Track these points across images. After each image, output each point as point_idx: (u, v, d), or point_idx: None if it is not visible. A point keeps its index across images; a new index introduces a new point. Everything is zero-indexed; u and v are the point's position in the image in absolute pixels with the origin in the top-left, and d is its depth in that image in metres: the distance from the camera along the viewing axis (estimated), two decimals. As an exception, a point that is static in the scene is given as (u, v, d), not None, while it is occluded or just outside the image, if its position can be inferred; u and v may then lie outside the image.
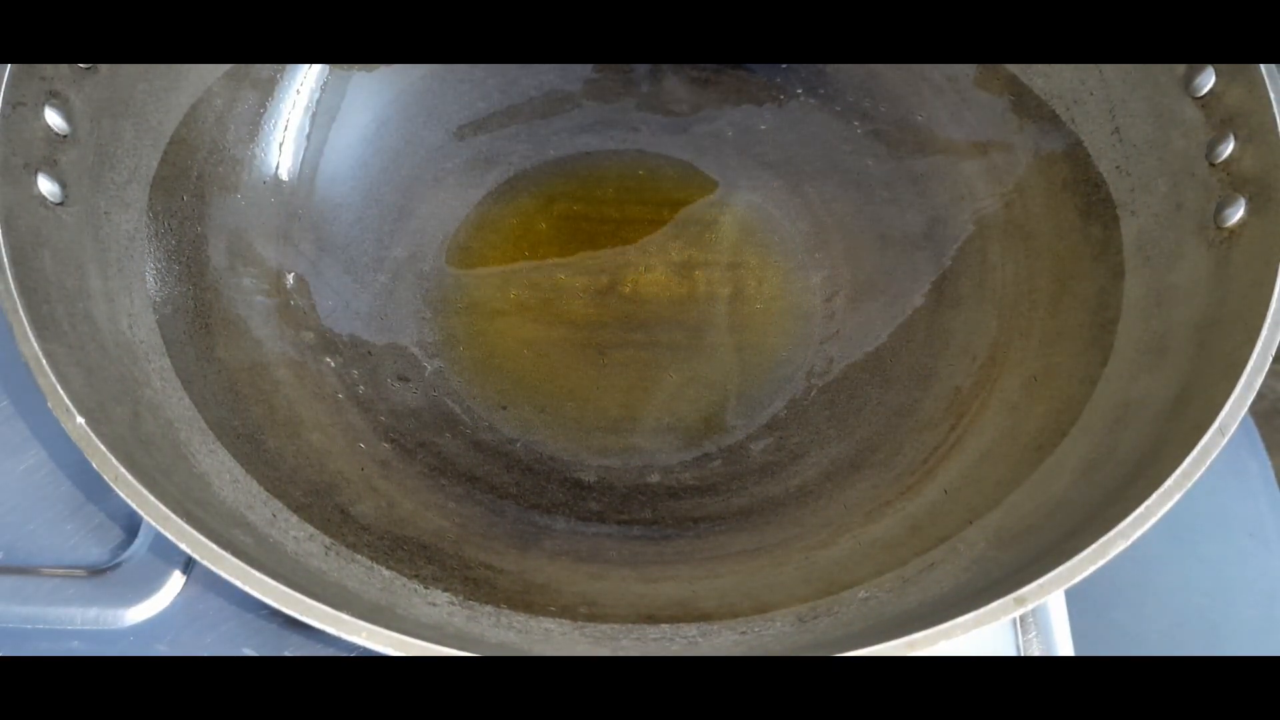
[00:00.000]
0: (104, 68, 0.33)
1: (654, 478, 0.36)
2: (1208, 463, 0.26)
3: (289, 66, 0.40)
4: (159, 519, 0.25)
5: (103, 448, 0.26)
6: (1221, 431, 0.26)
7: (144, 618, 0.31)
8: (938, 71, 0.41)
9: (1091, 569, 0.25)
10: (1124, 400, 0.31)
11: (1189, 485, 0.26)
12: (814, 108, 0.43)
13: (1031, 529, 0.29)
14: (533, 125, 0.44)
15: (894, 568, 0.30)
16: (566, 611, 0.30)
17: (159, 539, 0.32)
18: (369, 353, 0.38)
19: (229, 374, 0.34)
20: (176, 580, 0.32)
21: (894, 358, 0.38)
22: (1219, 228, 0.31)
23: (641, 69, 0.44)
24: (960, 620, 0.24)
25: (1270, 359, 0.27)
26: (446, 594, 0.30)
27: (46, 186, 0.30)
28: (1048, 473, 0.31)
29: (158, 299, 0.33)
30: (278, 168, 0.40)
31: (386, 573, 0.30)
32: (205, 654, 0.31)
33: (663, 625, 0.29)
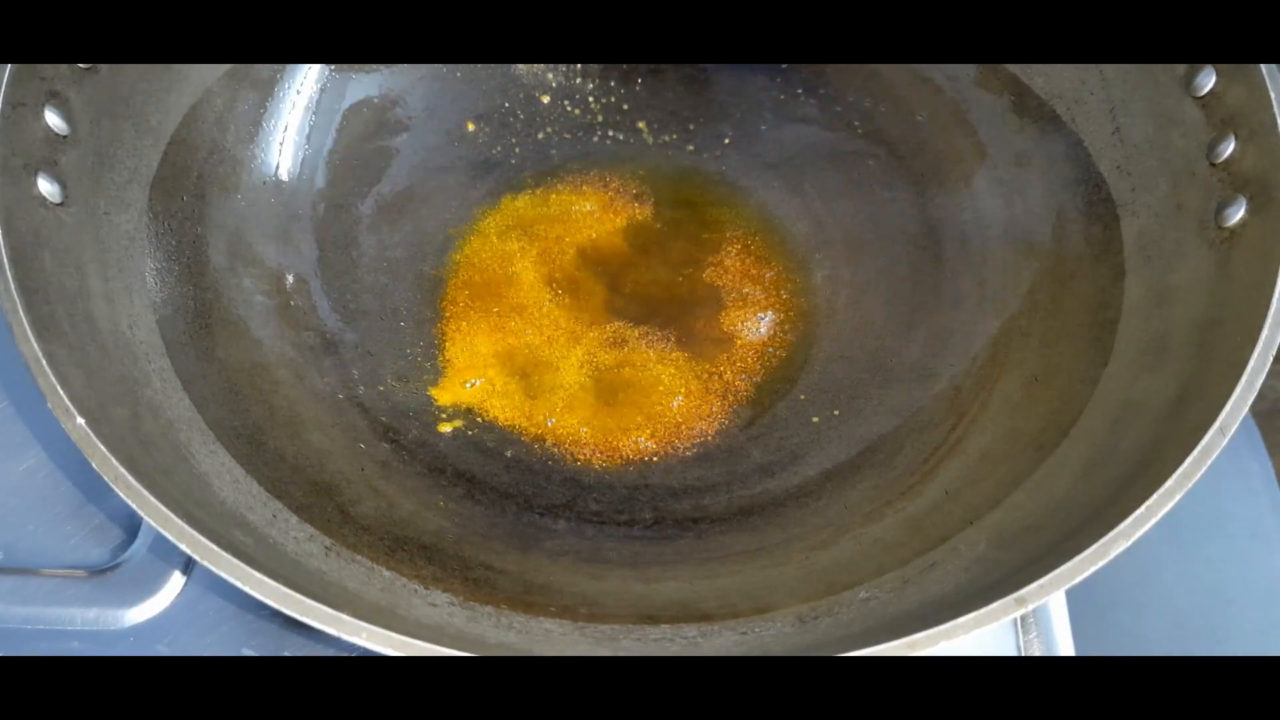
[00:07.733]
0: (104, 68, 0.33)
1: (654, 478, 0.36)
2: (1208, 463, 0.26)
3: (289, 66, 0.40)
4: (159, 519, 0.25)
5: (103, 448, 0.26)
6: (1222, 432, 0.26)
7: (144, 618, 0.31)
8: (938, 71, 0.40)
9: (1092, 569, 0.25)
10: (1125, 400, 0.31)
11: (1190, 485, 0.26)
12: (814, 108, 0.43)
13: (1032, 529, 0.29)
14: (533, 125, 0.44)
15: (895, 568, 0.30)
16: (567, 612, 0.30)
17: (159, 539, 0.32)
18: (369, 353, 0.38)
19: (229, 374, 0.34)
20: (176, 581, 0.32)
21: (894, 358, 0.38)
22: (1220, 227, 0.31)
23: (641, 69, 0.44)
24: (961, 621, 0.24)
25: (1271, 359, 0.27)
26: (446, 594, 0.30)
27: (46, 187, 0.30)
28: (1048, 473, 0.31)
29: (158, 299, 0.33)
30: (278, 168, 0.40)
31: (387, 573, 0.30)
32: (205, 654, 0.31)
33: (663, 626, 0.29)
